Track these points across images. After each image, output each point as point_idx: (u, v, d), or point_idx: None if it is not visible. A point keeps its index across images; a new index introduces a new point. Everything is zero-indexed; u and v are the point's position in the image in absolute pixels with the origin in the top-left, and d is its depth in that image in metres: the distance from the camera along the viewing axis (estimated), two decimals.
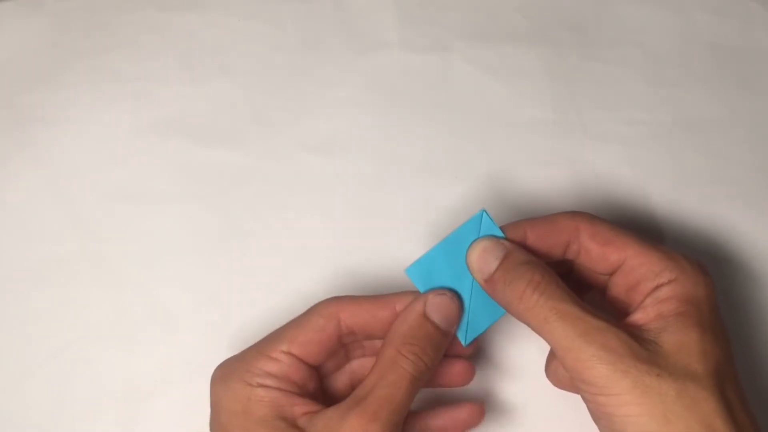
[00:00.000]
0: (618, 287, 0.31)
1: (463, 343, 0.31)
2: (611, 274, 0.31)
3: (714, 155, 0.40)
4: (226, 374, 0.30)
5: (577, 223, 0.31)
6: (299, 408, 0.29)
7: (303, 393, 0.30)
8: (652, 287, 0.29)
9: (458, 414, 0.32)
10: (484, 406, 0.33)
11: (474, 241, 0.31)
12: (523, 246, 0.31)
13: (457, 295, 0.31)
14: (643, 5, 0.43)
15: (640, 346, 0.27)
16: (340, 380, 0.33)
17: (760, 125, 0.41)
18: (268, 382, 0.29)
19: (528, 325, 0.29)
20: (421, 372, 0.29)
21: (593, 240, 0.31)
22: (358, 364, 0.33)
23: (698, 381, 0.27)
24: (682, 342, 0.27)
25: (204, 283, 0.37)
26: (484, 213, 0.31)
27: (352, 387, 0.32)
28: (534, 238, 0.31)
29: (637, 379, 0.26)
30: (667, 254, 0.30)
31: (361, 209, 0.39)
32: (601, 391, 0.27)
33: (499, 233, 0.31)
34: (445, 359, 0.32)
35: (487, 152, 0.39)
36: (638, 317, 0.29)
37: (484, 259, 0.30)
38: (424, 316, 0.30)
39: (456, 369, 0.33)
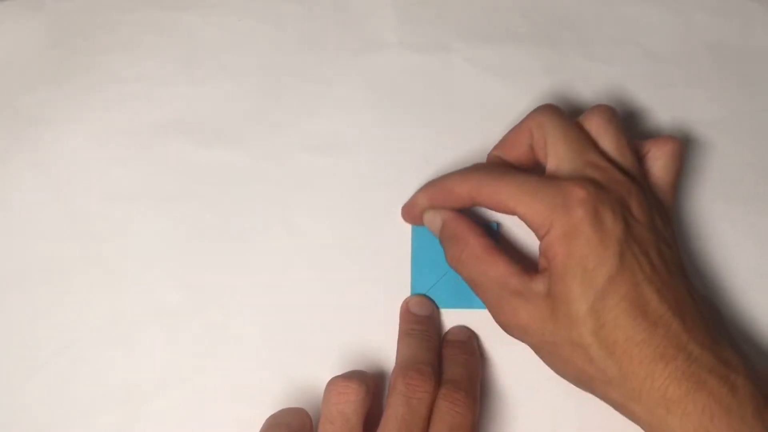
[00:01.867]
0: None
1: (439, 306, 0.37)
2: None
3: (714, 155, 0.40)
4: None
5: (467, 190, 0.33)
6: None
7: None
8: (539, 238, 0.31)
9: None
10: None
11: (425, 211, 0.36)
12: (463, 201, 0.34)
13: None
14: (643, 5, 0.43)
15: (540, 309, 0.31)
16: None
17: (761, 125, 0.40)
18: None
19: None
20: None
21: (485, 205, 0.33)
22: None
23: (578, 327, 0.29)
24: (559, 295, 0.30)
25: (204, 283, 0.37)
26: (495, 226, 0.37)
27: None
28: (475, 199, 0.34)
29: (543, 347, 0.31)
30: (540, 202, 0.31)
31: (361, 209, 0.39)
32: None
33: None
34: None
35: (487, 152, 0.39)
36: (540, 266, 0.32)
37: (431, 227, 0.36)
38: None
39: None
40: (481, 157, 0.38)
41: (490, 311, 0.33)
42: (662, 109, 0.41)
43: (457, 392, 0.31)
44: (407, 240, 0.38)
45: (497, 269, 0.32)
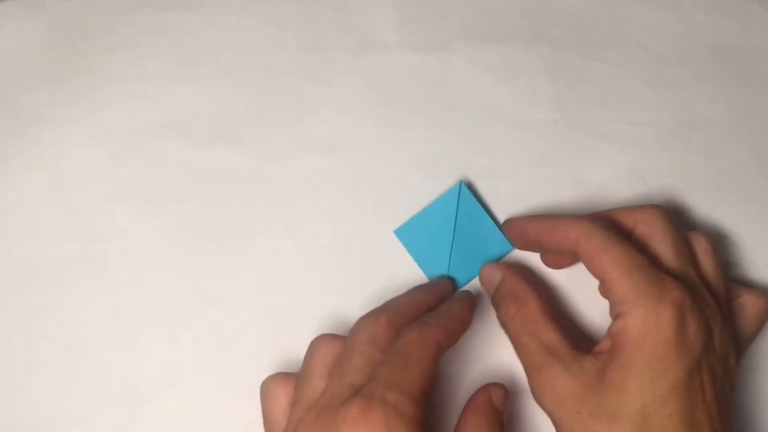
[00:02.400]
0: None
1: None
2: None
3: (714, 155, 0.40)
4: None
5: (576, 234, 0.32)
6: None
7: None
8: (614, 315, 0.30)
9: None
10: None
11: (483, 265, 0.36)
12: (533, 243, 0.35)
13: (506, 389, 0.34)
14: (643, 5, 0.43)
15: (578, 382, 0.29)
16: None
17: (761, 125, 0.40)
18: None
19: None
20: None
21: (583, 255, 0.31)
22: None
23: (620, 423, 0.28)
24: (614, 382, 0.29)
25: (204, 283, 0.37)
26: (462, 185, 0.37)
27: None
28: (536, 242, 0.34)
29: (573, 424, 0.29)
30: (637, 282, 0.29)
31: (361, 209, 0.39)
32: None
33: (478, 207, 0.37)
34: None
35: (487, 152, 0.39)
36: (603, 346, 0.30)
37: (487, 283, 0.35)
38: (494, 406, 0.33)
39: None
40: (482, 157, 0.38)
41: (528, 374, 0.31)
42: (662, 109, 0.41)
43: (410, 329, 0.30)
44: None
45: (549, 335, 0.31)
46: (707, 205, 0.39)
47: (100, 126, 0.40)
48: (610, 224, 0.33)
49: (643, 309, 0.29)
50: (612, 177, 0.39)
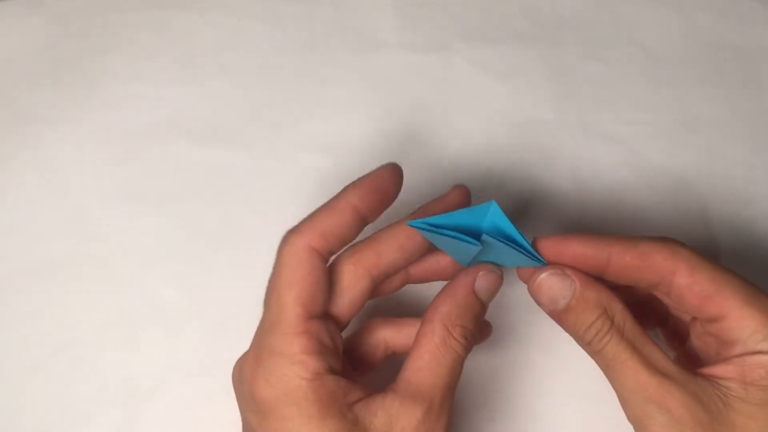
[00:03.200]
0: (706, 336, 0.28)
1: None
2: (702, 320, 0.28)
3: (714, 155, 0.40)
4: (269, 373, 0.27)
5: (675, 266, 0.27)
6: (352, 396, 0.27)
7: (340, 359, 0.28)
8: (749, 351, 0.26)
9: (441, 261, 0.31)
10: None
11: (540, 272, 0.28)
12: (599, 273, 0.28)
13: (502, 271, 0.29)
14: (643, 5, 0.43)
15: (704, 409, 0.25)
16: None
17: (761, 125, 0.40)
18: (317, 366, 0.27)
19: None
20: (467, 353, 0.28)
21: (690, 290, 0.27)
22: None
23: None
24: (753, 415, 0.25)
25: (204, 283, 0.37)
26: (494, 205, 0.28)
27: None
28: (617, 269, 0.28)
29: None
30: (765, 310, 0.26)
31: None
32: None
33: (514, 231, 0.28)
34: None
35: (487, 152, 0.39)
36: (719, 371, 0.26)
37: (549, 297, 0.28)
38: (475, 294, 0.29)
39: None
40: (482, 157, 0.38)
41: (635, 403, 0.26)
42: (663, 109, 0.41)
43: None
44: None
45: (655, 352, 0.27)
46: (707, 205, 0.39)
47: (100, 126, 0.40)
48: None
49: None
50: (612, 177, 0.39)
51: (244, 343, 0.36)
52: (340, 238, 0.29)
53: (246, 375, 0.28)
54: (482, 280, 0.29)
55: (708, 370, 0.27)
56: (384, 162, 0.33)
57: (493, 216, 0.28)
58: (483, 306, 0.29)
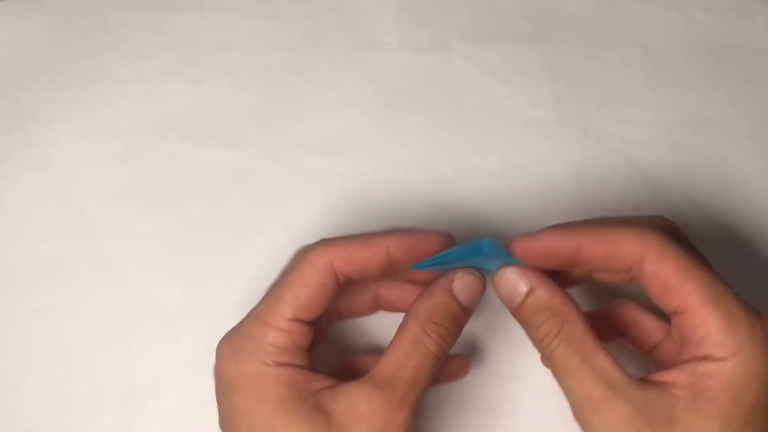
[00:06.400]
0: (675, 332, 0.27)
1: None
2: (668, 312, 0.27)
3: (715, 155, 0.40)
4: (236, 353, 0.28)
5: (644, 253, 0.26)
6: (316, 384, 0.28)
7: (310, 360, 0.29)
8: (700, 355, 0.25)
9: (445, 366, 0.31)
10: (469, 360, 0.34)
11: (501, 266, 0.29)
12: (571, 260, 0.28)
13: (483, 275, 0.30)
14: (643, 5, 0.43)
15: (647, 422, 0.25)
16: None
17: (762, 125, 0.40)
18: (282, 358, 0.28)
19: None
20: (443, 352, 0.28)
21: (656, 279, 0.26)
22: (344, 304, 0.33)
23: None
24: (698, 430, 0.24)
25: (204, 283, 0.37)
26: (489, 241, 0.29)
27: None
28: (588, 259, 0.27)
29: None
30: (733, 321, 0.25)
31: (361, 209, 0.39)
32: None
33: (510, 259, 0.29)
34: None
35: (487, 152, 0.39)
36: (671, 377, 0.26)
37: (507, 293, 0.29)
38: (452, 294, 0.29)
39: (454, 364, 0.33)
40: (481, 158, 0.38)
41: (581, 412, 0.26)
42: (663, 108, 0.41)
43: None
44: None
45: (603, 360, 0.26)
46: (707, 205, 0.39)
47: (100, 125, 0.40)
48: (678, 236, 0.28)
49: (744, 357, 0.24)
50: (612, 177, 0.39)
51: None
52: (361, 268, 0.29)
53: (218, 353, 0.30)
54: (459, 281, 0.29)
55: (660, 376, 0.26)
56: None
57: (489, 248, 0.29)
58: (462, 308, 0.29)
